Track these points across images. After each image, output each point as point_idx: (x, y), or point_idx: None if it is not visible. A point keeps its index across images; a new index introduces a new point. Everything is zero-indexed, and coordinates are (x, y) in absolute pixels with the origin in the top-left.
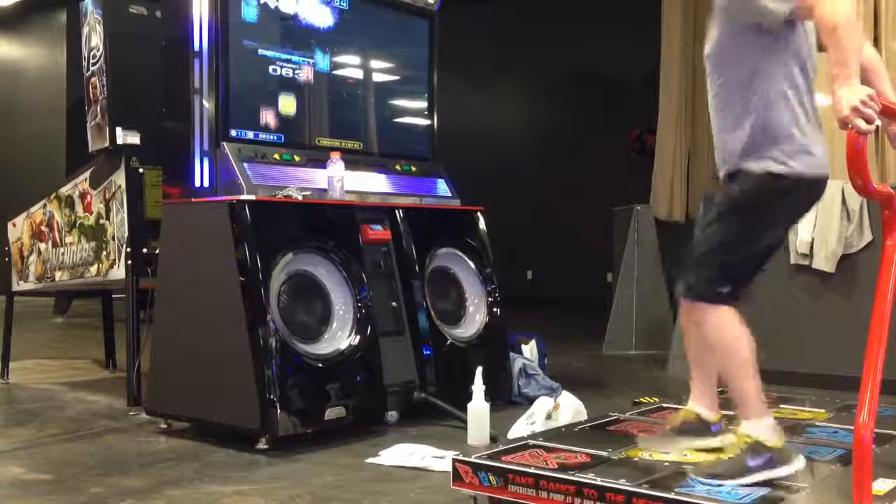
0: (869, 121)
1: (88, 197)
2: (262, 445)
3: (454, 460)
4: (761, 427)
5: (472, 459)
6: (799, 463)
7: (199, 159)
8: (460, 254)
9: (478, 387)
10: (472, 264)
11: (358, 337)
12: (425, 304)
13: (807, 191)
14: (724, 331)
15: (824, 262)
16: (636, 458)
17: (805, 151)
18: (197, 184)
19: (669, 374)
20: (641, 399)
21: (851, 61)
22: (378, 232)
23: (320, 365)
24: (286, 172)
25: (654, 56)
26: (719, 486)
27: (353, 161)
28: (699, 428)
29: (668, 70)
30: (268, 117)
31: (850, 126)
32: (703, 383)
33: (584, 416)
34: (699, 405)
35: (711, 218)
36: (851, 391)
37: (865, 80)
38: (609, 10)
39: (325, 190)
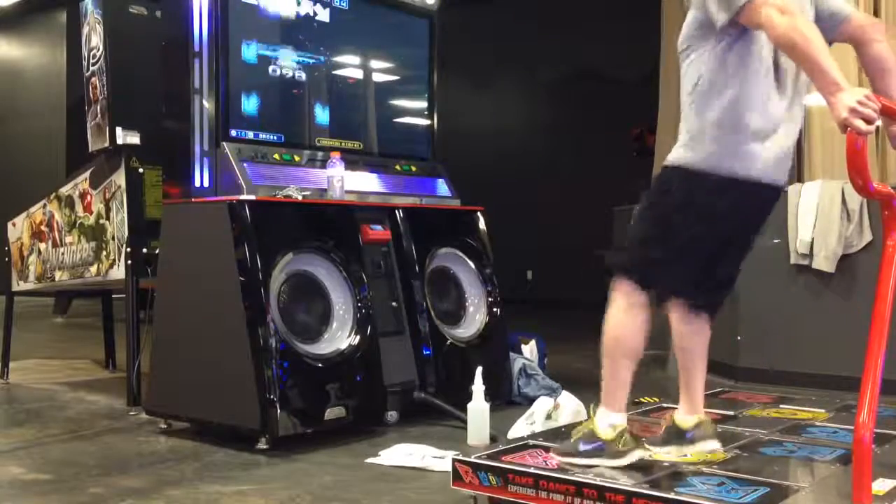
0: (868, 121)
1: (88, 197)
2: (262, 445)
3: (454, 460)
4: (605, 421)
5: (472, 459)
6: (627, 460)
7: (199, 159)
8: (460, 254)
9: (478, 387)
10: (472, 264)
11: (358, 337)
12: (425, 304)
13: (701, 188)
14: (619, 322)
15: (824, 262)
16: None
17: (709, 147)
18: (197, 184)
19: (669, 374)
20: (641, 399)
21: (827, 70)
22: (378, 232)
23: (320, 365)
24: (286, 172)
25: (654, 56)
26: (560, 459)
27: (353, 161)
28: (676, 435)
29: (668, 70)
30: (268, 117)
31: (849, 128)
32: (684, 386)
33: (584, 416)
34: (679, 411)
35: (639, 206)
36: (851, 391)
37: (876, 79)
38: (609, 10)
39: (325, 190)
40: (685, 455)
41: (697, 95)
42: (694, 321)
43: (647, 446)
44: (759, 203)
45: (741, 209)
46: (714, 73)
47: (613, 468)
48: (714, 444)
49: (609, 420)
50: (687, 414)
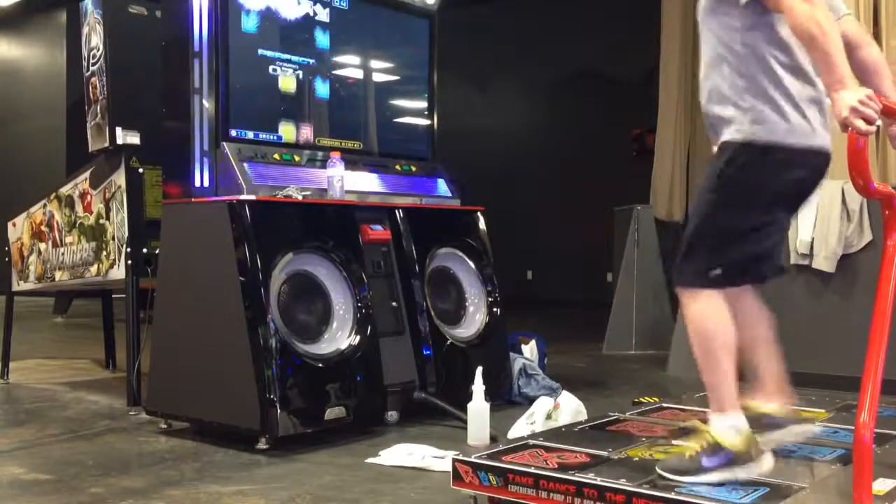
0: (869, 121)
1: (88, 197)
2: (262, 445)
3: (454, 460)
4: (725, 425)
5: (472, 459)
6: (763, 465)
7: (199, 159)
8: (460, 254)
9: (478, 387)
10: (472, 264)
11: (358, 337)
12: (425, 304)
13: (786, 162)
14: (706, 317)
15: (824, 262)
16: (636, 458)
17: (782, 119)
18: (197, 184)
19: (669, 374)
20: (641, 399)
21: (838, 66)
22: (378, 232)
23: (320, 365)
24: (286, 172)
25: (654, 56)
26: (679, 480)
27: (353, 161)
28: (765, 422)
29: (668, 70)
30: (268, 117)
31: (849, 128)
32: (762, 375)
33: (584, 416)
34: (758, 399)
35: (698, 199)
36: (851, 391)
37: (866, 80)
38: (609, 10)
39: (325, 190)
40: (783, 437)
41: (739, 64)
42: (754, 313)
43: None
44: (819, 172)
45: (808, 180)
46: (757, 46)
47: (622, 461)
48: (807, 426)
49: (729, 423)
50: (768, 400)
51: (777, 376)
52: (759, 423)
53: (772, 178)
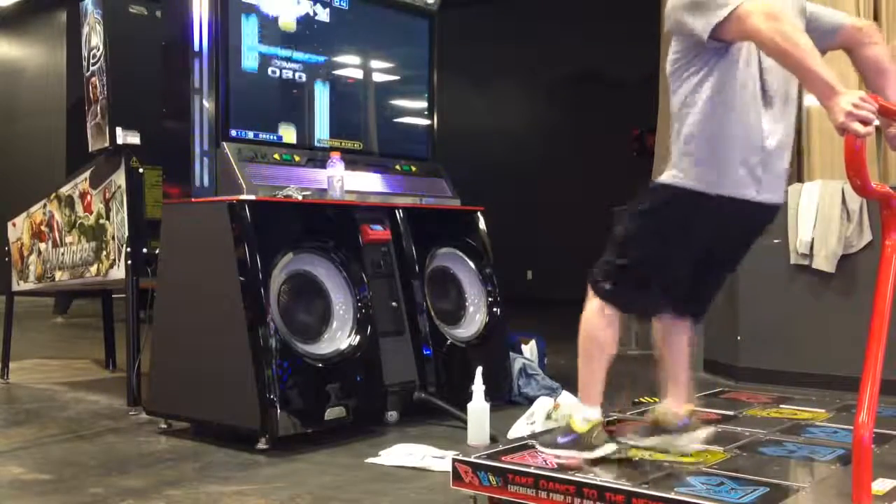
0: (865, 122)
1: (88, 197)
2: (262, 445)
3: (454, 460)
4: (580, 414)
5: (472, 459)
6: (596, 452)
7: (199, 159)
8: (460, 254)
9: (478, 387)
10: (472, 264)
11: (358, 337)
12: (425, 304)
13: (688, 205)
14: (593, 320)
15: (824, 262)
16: (636, 458)
17: (696, 165)
18: (197, 184)
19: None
20: (641, 399)
21: (819, 74)
22: (378, 232)
23: (320, 365)
24: (286, 172)
25: (654, 56)
26: (541, 451)
27: (353, 161)
28: (665, 428)
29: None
30: (268, 117)
31: (847, 131)
32: (671, 384)
33: None
34: (667, 403)
35: (626, 214)
36: (851, 391)
37: (870, 79)
38: (609, 10)
39: (325, 190)
40: (674, 446)
41: (685, 116)
42: (676, 325)
43: (625, 440)
44: (752, 223)
45: (732, 227)
46: (701, 96)
47: (622, 461)
48: (701, 435)
49: (584, 414)
50: (674, 407)
51: (683, 385)
52: (667, 429)
53: (694, 221)
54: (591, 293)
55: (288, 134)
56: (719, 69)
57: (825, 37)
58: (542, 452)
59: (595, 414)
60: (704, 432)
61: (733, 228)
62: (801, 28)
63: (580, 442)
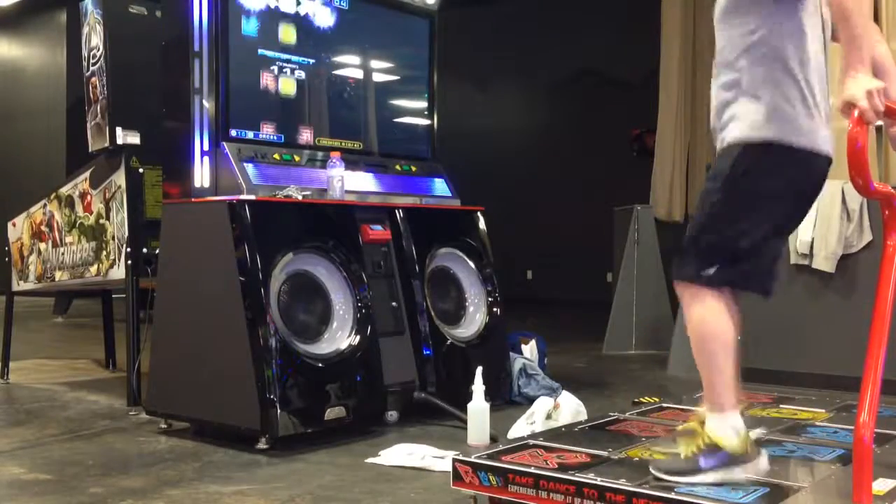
0: (875, 110)
1: (88, 197)
2: (262, 445)
3: (454, 460)
4: (723, 426)
5: (472, 459)
6: (759, 465)
7: (199, 159)
8: (460, 254)
9: (478, 387)
10: (472, 264)
11: (358, 337)
12: (425, 304)
13: (790, 164)
14: (704, 316)
15: (824, 262)
16: (636, 458)
17: (788, 121)
18: (197, 184)
19: (669, 374)
20: (641, 399)
21: (864, 48)
22: (378, 232)
23: (320, 365)
24: (286, 172)
25: (654, 56)
26: (674, 481)
27: (353, 161)
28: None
29: (668, 70)
30: (268, 117)
31: (854, 108)
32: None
33: (584, 416)
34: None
35: (701, 196)
36: (851, 391)
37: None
38: (609, 10)
39: (325, 190)
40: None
41: (756, 62)
42: (736, 311)
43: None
44: (821, 179)
45: (810, 184)
46: (772, 45)
47: (622, 461)
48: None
49: (728, 423)
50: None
51: (737, 380)
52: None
53: (773, 179)
54: (688, 294)
55: (288, 133)
56: (791, 13)
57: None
58: (670, 480)
59: (740, 422)
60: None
61: (810, 185)
62: None
63: (736, 460)
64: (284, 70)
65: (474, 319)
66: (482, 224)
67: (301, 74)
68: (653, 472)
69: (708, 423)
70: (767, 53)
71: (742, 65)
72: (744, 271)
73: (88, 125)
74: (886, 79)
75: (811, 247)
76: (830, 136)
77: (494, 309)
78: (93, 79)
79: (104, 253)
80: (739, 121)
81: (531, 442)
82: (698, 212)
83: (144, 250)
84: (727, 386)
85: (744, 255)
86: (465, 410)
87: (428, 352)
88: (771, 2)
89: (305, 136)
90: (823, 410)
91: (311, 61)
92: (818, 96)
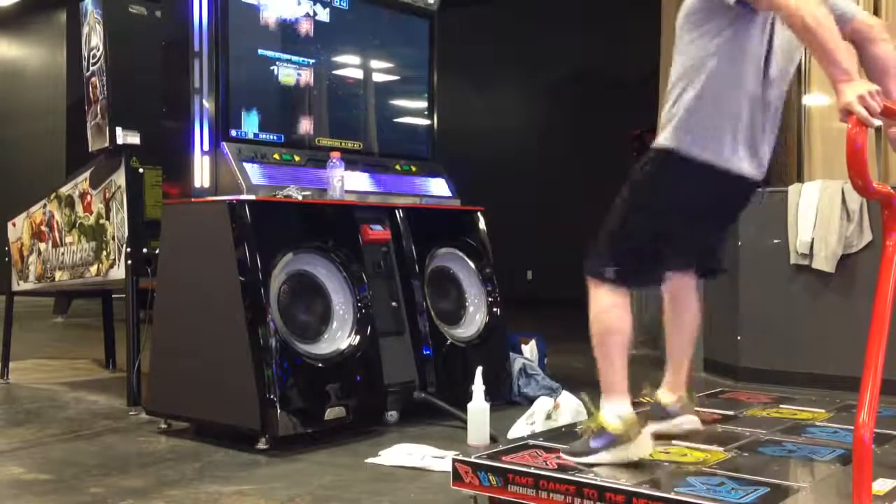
0: (871, 112)
1: (88, 197)
2: (262, 445)
3: (454, 460)
4: (611, 411)
5: (472, 459)
6: (640, 448)
7: (199, 159)
8: (460, 254)
9: (478, 387)
10: (472, 264)
11: (358, 337)
12: (425, 304)
13: (703, 176)
14: (604, 309)
15: (824, 262)
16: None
17: (701, 135)
18: (197, 184)
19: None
20: (641, 399)
21: (839, 58)
22: (378, 232)
23: (320, 365)
24: (286, 172)
25: (654, 56)
26: (574, 461)
27: (353, 161)
28: (659, 412)
29: (668, 70)
30: (268, 117)
31: (852, 114)
32: (672, 365)
33: (584, 416)
34: (662, 388)
35: (617, 197)
36: (851, 391)
37: (875, 78)
38: (609, 10)
39: (325, 190)
40: (667, 429)
41: (688, 78)
42: (683, 300)
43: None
44: (742, 198)
45: (726, 199)
46: (714, 62)
47: (622, 461)
48: (694, 421)
49: (615, 411)
50: (670, 392)
51: (682, 371)
52: (658, 412)
53: (684, 187)
54: (592, 285)
55: (288, 133)
56: (735, 37)
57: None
58: (570, 461)
59: (626, 409)
60: (691, 421)
61: (727, 200)
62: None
63: (618, 443)
64: (284, 70)
65: (474, 319)
66: (482, 224)
67: (301, 74)
68: (560, 454)
69: (600, 408)
70: (701, 69)
71: (681, 78)
72: (638, 269)
73: (88, 125)
74: (887, 78)
75: (811, 247)
76: (752, 158)
77: (494, 309)
78: (93, 79)
79: (104, 253)
80: (661, 129)
81: (531, 442)
82: (610, 210)
83: (144, 250)
84: (616, 375)
85: (637, 258)
86: (465, 410)
87: (428, 352)
88: (717, 24)
89: (305, 136)
90: (823, 410)
91: (311, 61)
92: (747, 119)
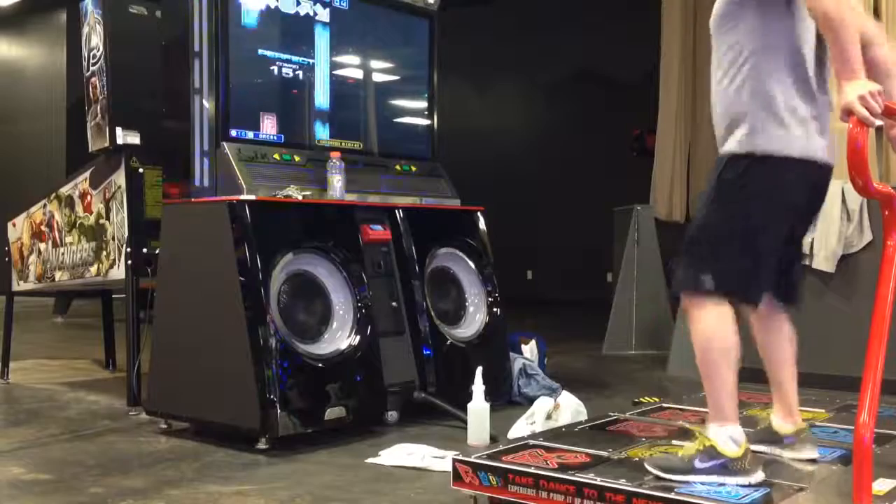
0: (872, 112)
1: (88, 197)
2: (262, 445)
3: (454, 460)
4: (722, 433)
5: (472, 459)
6: (754, 478)
7: (199, 159)
8: (460, 254)
9: (478, 387)
10: (472, 264)
11: (358, 337)
12: (425, 304)
13: (780, 174)
14: (705, 327)
15: (824, 262)
16: (636, 458)
17: (778, 132)
18: (197, 184)
19: (669, 374)
20: (641, 399)
21: (852, 58)
22: (378, 232)
23: (320, 365)
24: (286, 172)
25: (654, 56)
26: (667, 478)
27: (353, 161)
28: (772, 438)
29: (668, 70)
30: (268, 117)
31: (853, 114)
32: (775, 391)
33: (584, 416)
34: (774, 414)
35: (699, 207)
36: (851, 391)
37: (874, 79)
38: (609, 10)
39: (325, 190)
40: (781, 455)
41: (742, 77)
42: (774, 320)
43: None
44: (819, 185)
45: (812, 195)
46: (761, 52)
47: (622, 461)
48: (813, 453)
49: (728, 433)
50: (784, 419)
51: (789, 395)
52: (774, 439)
53: (770, 189)
54: (690, 304)
55: (288, 133)
56: (776, 26)
57: None
58: (666, 477)
59: (740, 434)
60: (810, 452)
61: (813, 196)
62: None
63: (731, 468)
64: (284, 70)
65: (474, 319)
66: (482, 224)
67: (301, 74)
68: (648, 468)
69: (709, 431)
70: (755, 66)
71: (734, 76)
72: (740, 279)
73: (88, 125)
74: (888, 81)
75: (811, 247)
76: (827, 144)
77: (494, 309)
78: (93, 79)
79: (104, 253)
80: (733, 134)
81: (531, 442)
82: (694, 221)
83: (144, 250)
84: (729, 395)
85: (736, 267)
86: (465, 410)
87: (428, 352)
88: (756, 15)
89: (305, 136)
90: (823, 410)
91: (311, 61)
92: (809, 104)
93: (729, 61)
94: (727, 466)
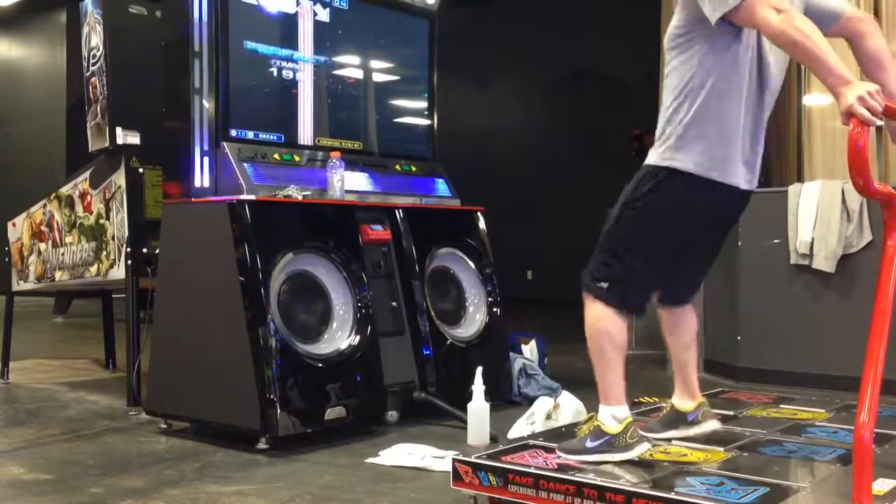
0: (872, 112)
1: (88, 197)
2: (262, 445)
3: (454, 460)
4: (606, 412)
5: (472, 459)
6: (636, 451)
7: (199, 159)
8: (460, 254)
9: (478, 387)
10: (472, 264)
11: (358, 337)
12: (425, 304)
13: (695, 192)
14: (598, 316)
15: (824, 262)
16: (636, 458)
17: (696, 150)
18: (197, 184)
19: (669, 374)
20: (641, 399)
21: (832, 64)
22: (378, 232)
23: (320, 365)
24: (286, 172)
25: (654, 56)
26: (566, 458)
27: (353, 161)
28: (677, 418)
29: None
30: (268, 117)
31: (853, 116)
32: (678, 374)
33: (584, 416)
34: (676, 395)
35: (615, 207)
36: (851, 391)
37: (870, 73)
38: (609, 10)
39: (325, 190)
40: (688, 435)
41: (683, 96)
42: (679, 313)
43: (648, 434)
44: (736, 210)
45: (722, 215)
46: (702, 75)
47: (622, 462)
48: (715, 424)
49: (612, 412)
50: (684, 399)
51: (690, 378)
52: (679, 419)
53: (680, 206)
54: (587, 297)
55: (288, 133)
56: (724, 51)
57: (822, 22)
58: (568, 459)
59: (624, 412)
60: (713, 425)
61: (722, 216)
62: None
63: (615, 443)
64: (284, 70)
65: (474, 319)
66: (482, 224)
67: (301, 74)
68: (557, 451)
69: (599, 411)
70: (695, 87)
71: (675, 97)
72: (621, 293)
73: (88, 125)
74: (883, 72)
75: (811, 247)
76: (751, 175)
77: (494, 309)
78: (93, 79)
79: (104, 253)
80: (656, 146)
81: (531, 442)
82: (606, 222)
83: (144, 250)
84: (614, 381)
85: (632, 276)
86: (465, 410)
87: (428, 352)
88: (704, 42)
89: (305, 136)
90: (823, 410)
91: (311, 61)
92: (738, 132)
93: (680, 77)
94: (611, 443)
